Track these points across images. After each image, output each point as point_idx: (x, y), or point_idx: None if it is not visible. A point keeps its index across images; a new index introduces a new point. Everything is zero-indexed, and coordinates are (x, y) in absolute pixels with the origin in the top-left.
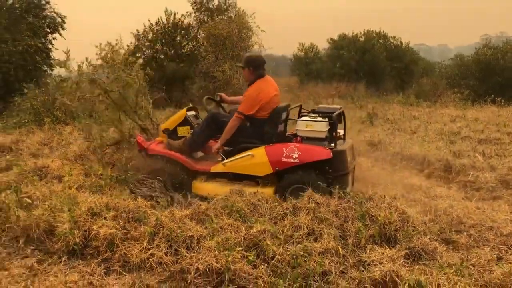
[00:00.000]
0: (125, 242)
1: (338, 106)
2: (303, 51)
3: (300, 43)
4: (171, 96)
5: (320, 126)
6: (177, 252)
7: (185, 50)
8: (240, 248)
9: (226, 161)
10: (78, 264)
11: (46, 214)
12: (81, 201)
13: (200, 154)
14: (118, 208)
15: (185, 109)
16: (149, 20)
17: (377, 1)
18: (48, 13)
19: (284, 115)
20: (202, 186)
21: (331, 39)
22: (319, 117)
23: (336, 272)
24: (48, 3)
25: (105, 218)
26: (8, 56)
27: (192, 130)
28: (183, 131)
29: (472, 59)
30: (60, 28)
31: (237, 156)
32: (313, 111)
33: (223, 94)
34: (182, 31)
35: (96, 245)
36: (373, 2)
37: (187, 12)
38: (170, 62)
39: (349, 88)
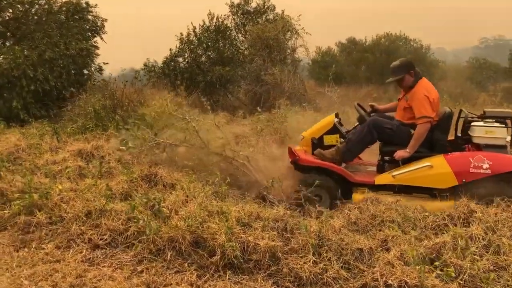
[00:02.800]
0: (286, 255)
1: (508, 110)
2: (320, 54)
3: (317, 47)
4: (215, 100)
5: (501, 133)
6: (345, 266)
7: (226, 54)
8: (436, 263)
9: (396, 172)
10: (241, 280)
11: (185, 224)
12: (229, 211)
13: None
14: (261, 217)
15: (333, 115)
16: (192, 23)
17: (373, 2)
18: (90, 16)
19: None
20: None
21: (340, 42)
22: (496, 123)
23: None
24: (90, 5)
25: (256, 228)
26: (61, 60)
27: (341, 139)
28: (331, 139)
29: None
30: (100, 32)
31: (411, 167)
32: (484, 116)
33: (375, 104)
34: (224, 34)
35: (257, 258)
36: (367, 2)
37: (225, 15)
38: (215, 66)
39: (379, 91)
